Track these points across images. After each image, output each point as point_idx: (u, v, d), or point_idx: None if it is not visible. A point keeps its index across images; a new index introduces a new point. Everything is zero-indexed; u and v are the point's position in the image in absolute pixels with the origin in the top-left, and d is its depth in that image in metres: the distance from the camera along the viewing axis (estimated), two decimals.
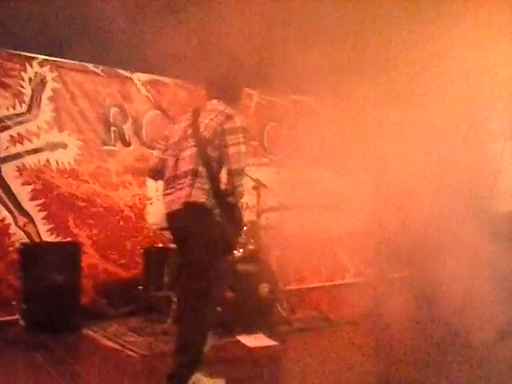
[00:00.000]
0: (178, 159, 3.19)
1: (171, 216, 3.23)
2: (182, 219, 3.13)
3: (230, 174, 3.07)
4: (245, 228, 4.65)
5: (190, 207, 3.09)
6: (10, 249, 4.76)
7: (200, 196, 3.08)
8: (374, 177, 5.21)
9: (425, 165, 4.74)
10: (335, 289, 6.40)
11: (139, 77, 5.66)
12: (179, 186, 3.15)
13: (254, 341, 4.19)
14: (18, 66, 4.98)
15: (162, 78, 5.80)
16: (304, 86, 6.12)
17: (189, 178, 3.10)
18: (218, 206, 3.11)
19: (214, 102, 3.26)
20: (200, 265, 3.13)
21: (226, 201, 3.10)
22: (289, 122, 6.44)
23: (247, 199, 5.02)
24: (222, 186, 3.10)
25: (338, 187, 6.63)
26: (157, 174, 3.43)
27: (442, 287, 4.35)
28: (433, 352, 3.83)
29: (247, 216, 4.74)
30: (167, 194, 3.26)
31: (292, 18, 5.15)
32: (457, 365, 3.56)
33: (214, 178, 3.10)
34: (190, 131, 3.18)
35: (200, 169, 3.09)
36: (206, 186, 3.08)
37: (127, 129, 5.57)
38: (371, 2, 4.83)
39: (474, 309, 3.93)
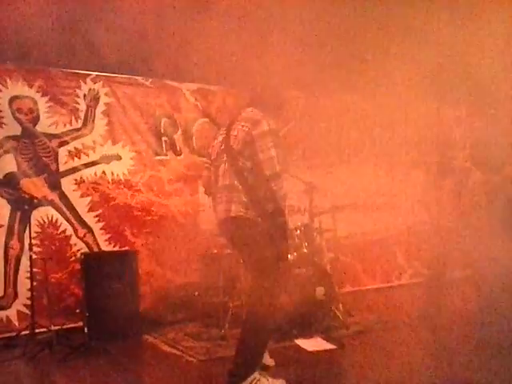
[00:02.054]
0: (217, 174, 3.30)
1: (220, 225, 3.36)
2: (228, 231, 3.28)
3: (265, 180, 3.06)
4: (298, 232, 4.68)
5: (231, 222, 3.19)
6: (72, 259, 4.95)
7: (239, 210, 3.14)
8: (426, 174, 5.09)
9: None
10: (392, 290, 6.27)
11: (188, 86, 5.77)
12: (220, 200, 3.26)
13: (312, 344, 4.16)
14: (73, 84, 5.18)
15: (209, 87, 5.90)
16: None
17: (226, 193, 3.20)
18: (259, 215, 3.13)
19: (249, 109, 3.30)
20: (255, 273, 3.22)
21: (266, 208, 3.09)
22: (337, 122, 6.39)
23: (299, 202, 5.02)
24: (261, 194, 3.09)
25: (391, 185, 6.54)
26: (208, 190, 3.56)
27: (499, 287, 4.23)
28: (492, 353, 3.69)
29: (300, 219, 4.74)
30: (215, 206, 3.38)
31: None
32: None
33: (250, 189, 3.12)
34: (223, 146, 3.27)
35: (235, 183, 3.15)
36: (244, 199, 3.13)
37: (178, 138, 5.69)
38: None
39: None
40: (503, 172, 5.01)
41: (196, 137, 5.78)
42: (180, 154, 5.69)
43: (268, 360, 3.59)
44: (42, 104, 5.00)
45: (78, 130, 5.18)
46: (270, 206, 3.08)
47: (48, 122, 5.02)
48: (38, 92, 4.98)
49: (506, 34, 4.70)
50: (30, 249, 4.40)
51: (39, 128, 4.98)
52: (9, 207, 4.76)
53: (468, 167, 4.98)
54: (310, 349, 4.08)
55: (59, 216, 4.97)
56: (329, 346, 4.13)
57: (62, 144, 5.08)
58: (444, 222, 4.66)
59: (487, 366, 3.46)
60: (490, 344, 3.86)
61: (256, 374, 3.18)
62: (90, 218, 5.11)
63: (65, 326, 4.73)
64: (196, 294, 4.85)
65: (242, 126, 3.19)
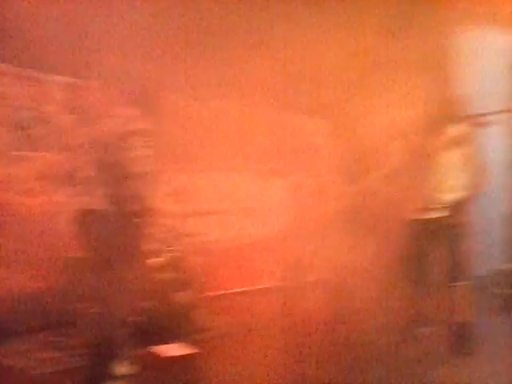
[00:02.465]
0: (81, 167, 3.22)
1: (76, 219, 3.25)
2: (84, 225, 3.18)
3: (131, 177, 3.11)
4: (164, 235, 4.66)
5: (89, 215, 3.13)
6: None
7: (98, 203, 3.12)
8: (289, 180, 5.37)
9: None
10: (255, 294, 6.47)
11: (56, 79, 5.46)
12: (80, 193, 3.19)
13: (172, 350, 4.17)
14: None
15: (80, 81, 5.63)
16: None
17: (87, 185, 3.15)
18: (118, 212, 3.12)
19: (122, 107, 3.32)
20: (106, 274, 3.19)
21: (127, 207, 3.13)
22: (207, 126, 6.48)
23: (168, 205, 5.00)
24: (124, 192, 3.11)
25: (259, 192, 6.79)
26: (68, 183, 3.46)
27: (350, 289, 4.64)
28: (344, 351, 3.99)
29: (167, 222, 4.73)
30: (74, 198, 3.28)
31: None
32: (365, 363, 3.72)
33: (114, 184, 3.11)
34: (90, 137, 3.24)
35: (100, 175, 3.12)
36: (106, 193, 3.11)
37: (40, 133, 5.36)
38: None
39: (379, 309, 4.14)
40: (361, 181, 5.48)
41: (61, 133, 5.49)
42: (42, 150, 5.37)
43: (125, 368, 3.55)
44: None
45: None
46: (132, 204, 3.11)
47: None
48: None
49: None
50: None
51: None
52: None
53: (330, 174, 5.33)
54: (169, 354, 4.09)
55: None
56: (189, 350, 4.18)
57: None
58: (304, 228, 4.93)
59: (342, 366, 3.72)
60: (345, 345, 4.16)
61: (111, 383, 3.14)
62: None
63: None
64: (53, 300, 4.62)
65: (115, 122, 3.20)
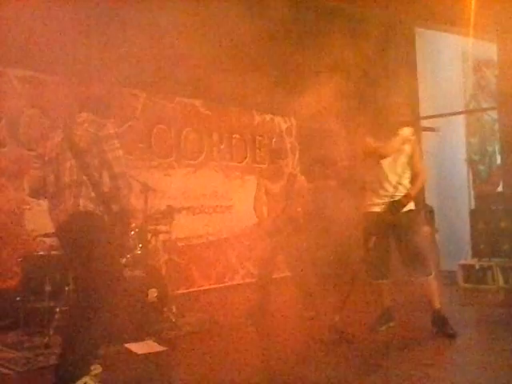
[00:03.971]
0: (58, 173, 3.22)
1: (63, 225, 3.22)
2: (72, 229, 3.16)
3: (112, 177, 3.16)
4: (132, 233, 4.57)
5: (78, 217, 3.14)
6: None
7: (88, 205, 3.14)
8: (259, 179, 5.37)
9: None
10: (225, 291, 6.45)
11: (15, 72, 5.28)
12: (65, 197, 3.17)
13: (143, 347, 4.10)
14: None
15: (41, 75, 5.46)
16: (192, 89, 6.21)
17: (73, 189, 3.15)
18: (105, 212, 3.19)
19: (84, 114, 3.30)
20: (92, 273, 3.15)
21: (111, 206, 3.18)
22: (177, 124, 6.45)
23: (135, 203, 4.89)
24: (107, 192, 3.17)
25: (227, 189, 6.80)
26: (40, 192, 3.44)
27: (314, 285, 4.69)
28: (316, 348, 3.98)
29: (134, 220, 4.64)
30: (56, 204, 3.24)
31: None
32: (338, 360, 3.71)
33: (97, 186, 3.16)
34: (66, 145, 3.22)
35: (84, 178, 3.15)
36: (92, 194, 3.15)
37: (0, 128, 5.17)
38: None
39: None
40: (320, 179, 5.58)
41: (24, 128, 5.31)
42: (3, 146, 5.18)
43: (96, 366, 3.46)
44: None
45: None
46: (116, 204, 3.17)
47: None
48: None
49: None
50: None
51: None
52: None
53: (295, 173, 5.35)
54: (140, 352, 4.01)
55: None
56: (159, 348, 4.11)
57: None
58: (272, 225, 4.93)
59: (312, 362, 3.69)
60: (315, 339, 4.14)
61: (86, 378, 3.10)
62: None
63: None
64: (17, 299, 4.46)
65: (88, 126, 3.21)
